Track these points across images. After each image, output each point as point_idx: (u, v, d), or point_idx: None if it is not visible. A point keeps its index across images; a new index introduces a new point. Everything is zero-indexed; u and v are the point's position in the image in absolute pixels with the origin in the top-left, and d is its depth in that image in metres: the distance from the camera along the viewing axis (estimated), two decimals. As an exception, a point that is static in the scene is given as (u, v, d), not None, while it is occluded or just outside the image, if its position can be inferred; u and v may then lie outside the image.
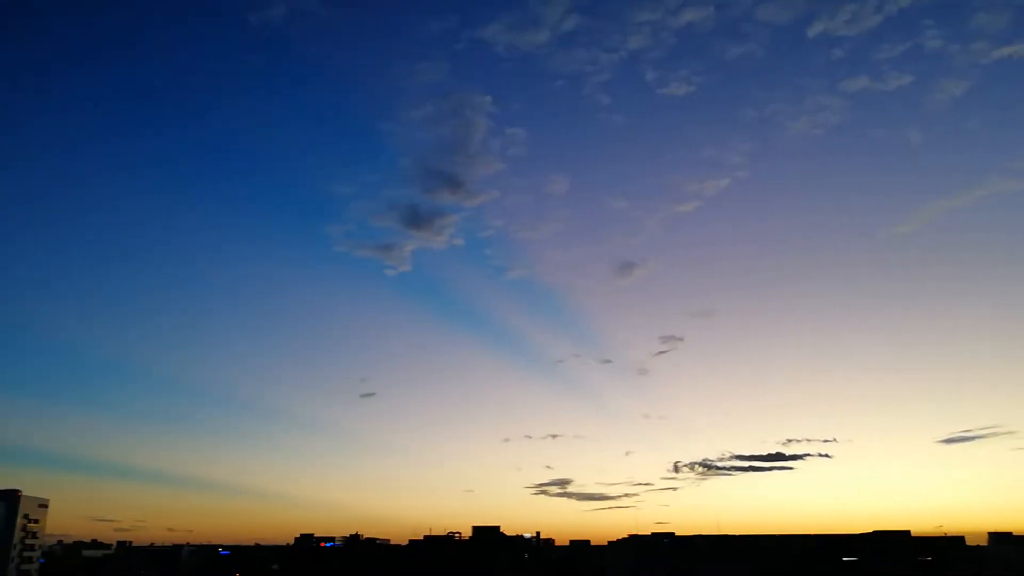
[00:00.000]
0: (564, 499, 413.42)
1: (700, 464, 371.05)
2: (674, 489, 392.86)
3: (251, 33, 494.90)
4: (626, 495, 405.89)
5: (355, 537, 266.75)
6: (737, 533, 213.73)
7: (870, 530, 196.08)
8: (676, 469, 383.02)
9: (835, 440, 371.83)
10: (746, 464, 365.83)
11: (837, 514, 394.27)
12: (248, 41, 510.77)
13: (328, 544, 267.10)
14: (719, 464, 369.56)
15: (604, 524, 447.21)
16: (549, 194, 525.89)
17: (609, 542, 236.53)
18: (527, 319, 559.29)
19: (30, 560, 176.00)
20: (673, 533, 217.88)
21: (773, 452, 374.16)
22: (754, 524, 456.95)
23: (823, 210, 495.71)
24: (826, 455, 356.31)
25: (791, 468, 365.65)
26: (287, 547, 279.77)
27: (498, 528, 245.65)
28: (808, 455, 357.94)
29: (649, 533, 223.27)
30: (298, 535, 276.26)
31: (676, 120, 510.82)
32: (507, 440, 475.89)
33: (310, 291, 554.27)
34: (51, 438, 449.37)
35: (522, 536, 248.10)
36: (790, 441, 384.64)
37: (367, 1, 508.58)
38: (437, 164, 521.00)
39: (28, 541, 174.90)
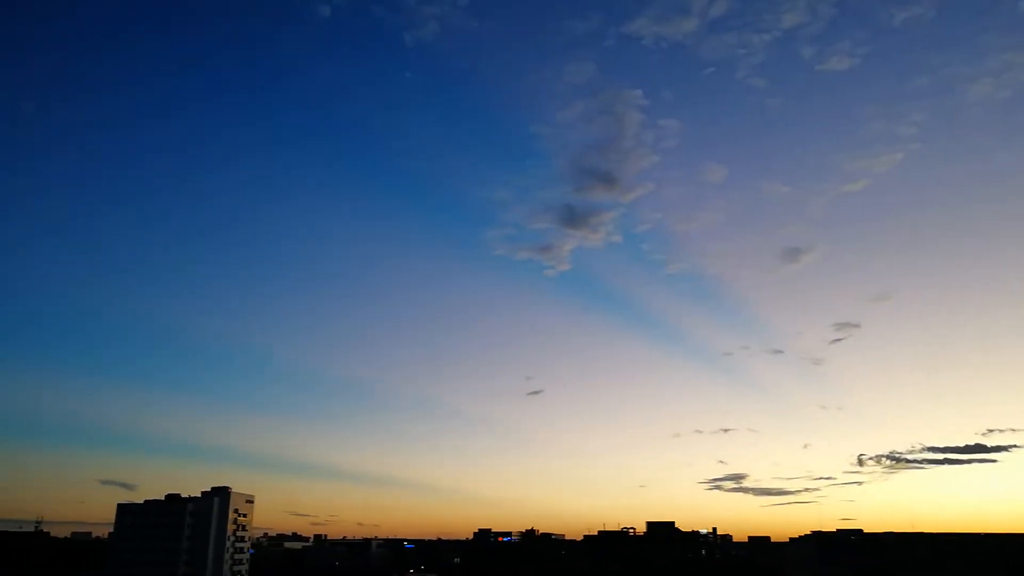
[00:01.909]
0: (740, 494, 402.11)
1: (887, 457, 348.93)
2: (859, 483, 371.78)
3: (406, 50, 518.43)
4: (806, 490, 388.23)
5: (531, 532, 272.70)
6: (934, 531, 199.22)
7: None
8: (860, 462, 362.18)
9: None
10: (940, 456, 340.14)
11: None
12: (404, 58, 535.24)
13: (505, 539, 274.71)
14: (909, 457, 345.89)
15: (783, 520, 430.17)
16: (706, 184, 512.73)
17: (791, 539, 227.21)
18: (691, 312, 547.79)
19: (241, 550, 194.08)
20: (861, 530, 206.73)
21: (972, 443, 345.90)
22: (953, 522, 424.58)
23: (1012, 178, 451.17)
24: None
25: (994, 460, 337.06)
26: (467, 541, 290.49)
27: (672, 524, 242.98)
28: (1015, 446, 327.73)
29: (834, 530, 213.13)
30: (476, 530, 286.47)
31: (838, 96, 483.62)
32: (677, 435, 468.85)
33: (474, 295, 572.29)
34: (256, 441, 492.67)
35: (698, 532, 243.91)
36: (991, 431, 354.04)
37: (513, 10, 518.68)
38: (590, 162, 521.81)
39: (239, 533, 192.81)
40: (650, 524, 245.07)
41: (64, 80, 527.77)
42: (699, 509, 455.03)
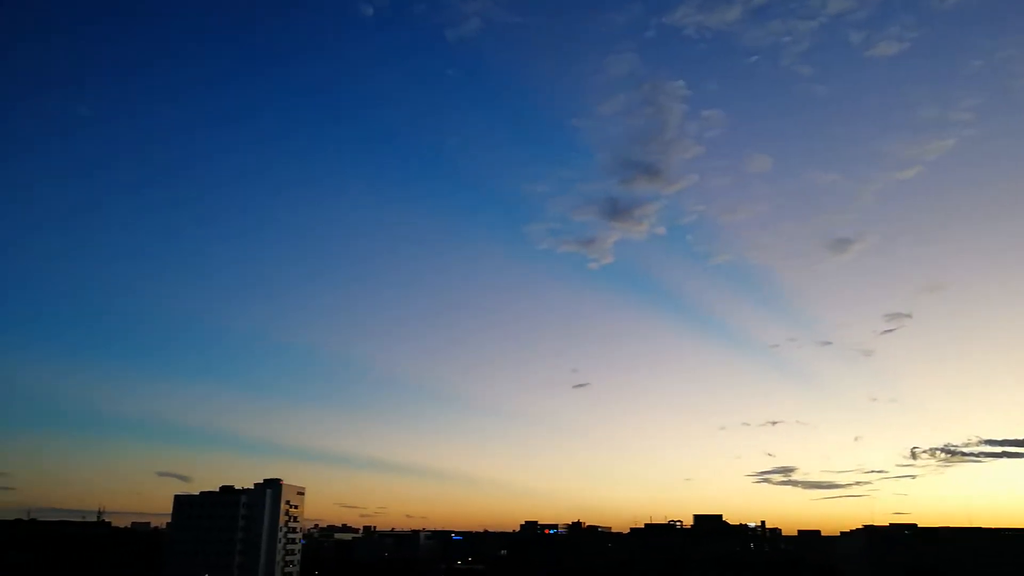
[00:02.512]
0: (788, 487, 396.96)
1: (942, 450, 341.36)
2: (912, 477, 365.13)
3: (448, 48, 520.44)
4: (857, 483, 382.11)
5: (577, 524, 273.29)
6: (992, 526, 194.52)
7: None
8: (913, 455, 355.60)
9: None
10: (998, 449, 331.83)
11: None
12: (446, 55, 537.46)
13: (552, 531, 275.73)
14: (965, 450, 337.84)
15: (834, 514, 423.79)
16: (751, 174, 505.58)
17: (841, 533, 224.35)
18: (736, 304, 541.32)
19: (293, 540, 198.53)
20: (915, 524, 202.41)
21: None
22: (1012, 516, 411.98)
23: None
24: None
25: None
26: (513, 533, 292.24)
27: (720, 517, 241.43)
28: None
29: (887, 524, 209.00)
30: (523, 522, 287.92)
31: (888, 82, 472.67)
32: (723, 428, 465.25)
33: (517, 290, 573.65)
34: (306, 434, 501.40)
35: (746, 525, 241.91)
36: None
37: (554, 3, 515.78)
38: (633, 154, 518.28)
39: (291, 524, 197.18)
40: (697, 517, 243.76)
41: (125, 79, 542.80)
42: (747, 502, 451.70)
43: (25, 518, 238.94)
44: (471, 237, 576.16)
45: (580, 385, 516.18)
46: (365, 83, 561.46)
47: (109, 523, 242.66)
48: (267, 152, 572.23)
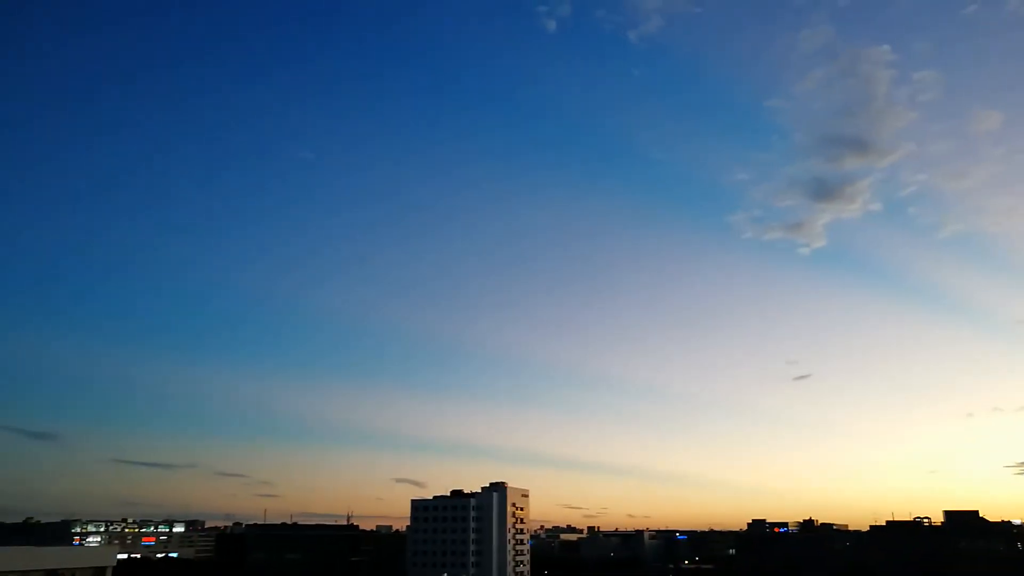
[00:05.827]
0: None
1: None
2: None
3: (632, 48, 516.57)
4: None
5: (809, 523, 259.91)
6: None
7: None
8: None
9: None
10: None
11: None
12: (630, 55, 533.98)
13: (782, 530, 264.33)
14: None
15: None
16: (978, 133, 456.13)
17: None
18: (973, 278, 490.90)
19: (522, 541, 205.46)
20: None
21: None
22: None
23: None
24: None
25: None
26: (740, 532, 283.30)
27: (976, 513, 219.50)
28: None
29: None
30: (750, 521, 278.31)
31: None
32: (971, 415, 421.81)
33: (725, 282, 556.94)
34: (529, 437, 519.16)
35: (1009, 522, 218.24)
36: None
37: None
38: (837, 129, 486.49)
39: (518, 525, 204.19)
40: (948, 513, 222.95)
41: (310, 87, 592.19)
42: (1008, 496, 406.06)
43: (289, 522, 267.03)
44: (673, 233, 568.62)
45: (801, 377, 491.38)
46: (554, 94, 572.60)
47: (357, 526, 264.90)
48: (460, 164, 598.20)
